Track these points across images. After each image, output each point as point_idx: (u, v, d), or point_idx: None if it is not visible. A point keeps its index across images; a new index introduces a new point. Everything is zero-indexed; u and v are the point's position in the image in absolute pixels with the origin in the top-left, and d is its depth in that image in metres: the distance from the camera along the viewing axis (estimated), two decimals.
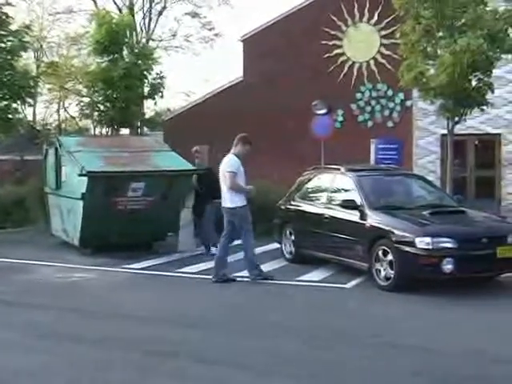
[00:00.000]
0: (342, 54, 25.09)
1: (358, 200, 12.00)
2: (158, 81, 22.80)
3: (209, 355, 7.64)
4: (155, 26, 37.85)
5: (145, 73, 22.27)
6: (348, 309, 10.22)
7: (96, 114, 22.68)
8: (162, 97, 23.29)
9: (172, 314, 9.74)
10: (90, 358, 7.59)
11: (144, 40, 34.79)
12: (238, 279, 12.04)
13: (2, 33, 21.82)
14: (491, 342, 8.24)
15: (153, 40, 37.05)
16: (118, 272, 13.04)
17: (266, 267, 12.54)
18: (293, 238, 13.50)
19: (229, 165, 11.84)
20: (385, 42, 24.20)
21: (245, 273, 12.14)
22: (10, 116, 21.87)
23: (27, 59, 35.39)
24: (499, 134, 22.17)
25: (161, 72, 22.83)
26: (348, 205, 12.12)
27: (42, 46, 39.52)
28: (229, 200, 11.82)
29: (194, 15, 38.86)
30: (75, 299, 10.80)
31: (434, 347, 7.99)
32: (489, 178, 22.53)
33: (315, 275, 12.47)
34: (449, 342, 8.22)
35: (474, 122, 20.18)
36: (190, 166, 14.92)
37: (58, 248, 15.67)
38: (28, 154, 27.02)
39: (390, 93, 24.36)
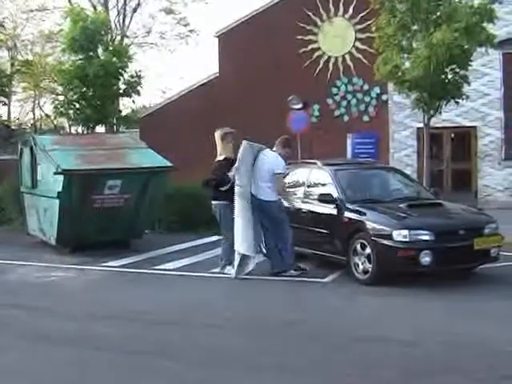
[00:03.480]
0: (318, 48, 25.12)
1: (335, 194, 12.00)
2: (136, 79, 22.67)
3: (188, 354, 7.64)
4: (130, 22, 37.73)
5: (120, 70, 22.11)
6: (325, 303, 10.22)
7: (71, 112, 22.48)
8: (138, 95, 23.18)
9: (152, 312, 9.68)
10: (65, 357, 7.52)
11: (119, 37, 34.63)
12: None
13: None
14: (467, 332, 8.31)
15: (127, 37, 36.91)
16: (97, 270, 12.97)
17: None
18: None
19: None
20: (360, 36, 24.26)
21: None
22: None
23: (1, 58, 35.22)
24: (475, 127, 22.28)
25: (139, 71, 22.73)
26: (325, 199, 12.12)
27: (15, 44, 39.21)
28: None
29: (169, 11, 38.76)
30: (54, 299, 10.72)
31: (410, 339, 8.03)
32: (465, 171, 22.64)
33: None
34: (425, 334, 8.26)
35: (450, 115, 20.27)
36: (166, 163, 14.85)
37: (35, 247, 15.57)
38: (3, 154, 26.79)
39: (365, 87, 24.43)
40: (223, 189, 11.93)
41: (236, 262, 11.79)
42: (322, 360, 7.38)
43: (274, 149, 12.34)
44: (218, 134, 12.40)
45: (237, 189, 11.73)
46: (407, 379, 6.72)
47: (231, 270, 11.98)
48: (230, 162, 12.03)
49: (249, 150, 12.03)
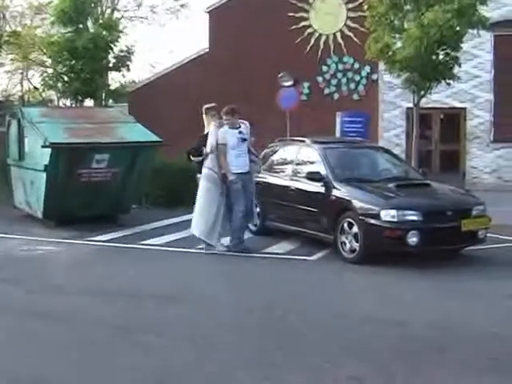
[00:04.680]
0: (309, 26, 24.98)
1: (324, 172, 11.99)
2: (126, 54, 22.55)
3: (173, 330, 7.66)
4: None
5: (110, 44, 21.98)
6: (310, 281, 10.24)
7: (60, 85, 22.36)
8: (128, 70, 23.07)
9: (137, 287, 9.67)
10: (49, 332, 7.53)
11: (109, 10, 34.33)
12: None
13: None
14: (452, 313, 8.35)
15: (118, 10, 36.57)
16: (84, 245, 12.91)
17: (227, 239, 12.40)
18: (258, 210, 13.42)
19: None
20: (352, 14, 24.12)
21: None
22: None
23: None
24: (464, 109, 22.29)
25: (132, 46, 22.60)
26: (313, 177, 12.11)
27: (4, 15, 38.76)
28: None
29: None
30: (40, 273, 10.67)
31: (395, 318, 8.05)
32: (453, 152, 22.67)
33: (280, 247, 12.48)
34: (410, 314, 8.29)
35: (440, 96, 20.26)
36: (155, 138, 14.79)
37: (21, 220, 15.47)
38: None
39: (356, 66, 24.34)
40: (194, 159, 12.22)
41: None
42: (306, 338, 7.38)
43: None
44: (203, 110, 12.64)
45: (203, 171, 11.94)
46: (392, 357, 6.72)
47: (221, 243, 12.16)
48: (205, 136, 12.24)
49: (215, 131, 12.10)
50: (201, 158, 12.05)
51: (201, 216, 11.91)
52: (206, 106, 12.69)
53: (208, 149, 11.93)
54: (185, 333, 7.56)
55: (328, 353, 6.86)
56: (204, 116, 12.60)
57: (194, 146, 12.35)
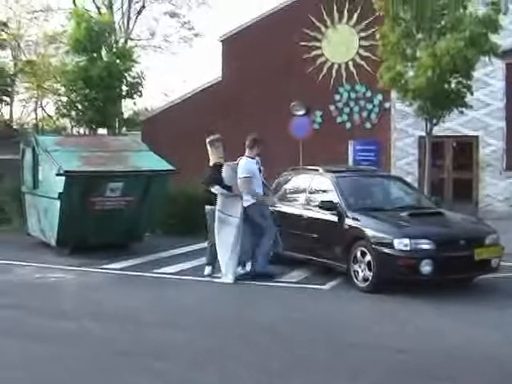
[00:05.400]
0: (321, 55, 25.07)
1: (336, 201, 12.00)
2: (137, 80, 22.71)
3: (181, 356, 7.67)
4: (134, 25, 37.71)
5: (124, 73, 22.15)
6: (322, 309, 10.23)
7: (74, 113, 22.54)
8: (140, 96, 23.22)
9: (147, 314, 9.69)
10: (55, 356, 7.60)
11: (122, 39, 34.64)
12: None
13: None
14: (461, 342, 8.34)
15: (131, 39, 36.88)
16: (97, 272, 12.96)
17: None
18: None
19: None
20: (364, 43, 24.21)
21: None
22: None
23: (4, 57, 35.19)
24: (477, 137, 22.27)
25: (142, 72, 22.78)
26: (326, 206, 12.12)
27: (19, 44, 39.16)
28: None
29: (173, 15, 38.77)
30: (53, 300, 10.73)
31: (403, 346, 8.07)
32: (466, 180, 22.61)
33: (293, 276, 12.48)
34: (418, 343, 8.31)
35: (452, 124, 20.25)
36: (168, 166, 14.87)
37: (35, 248, 15.55)
38: (4, 153, 26.76)
39: (368, 94, 24.38)
40: (215, 190, 12.13)
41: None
42: (311, 364, 7.40)
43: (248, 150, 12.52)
44: (207, 142, 12.74)
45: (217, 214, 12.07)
46: None
47: (207, 271, 12.40)
48: (219, 167, 12.33)
49: (229, 169, 12.26)
50: (221, 189, 12.09)
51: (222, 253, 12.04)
52: (211, 137, 12.74)
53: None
54: (190, 358, 7.58)
55: (330, 377, 6.87)
56: (209, 148, 12.67)
57: (212, 177, 12.31)
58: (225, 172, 12.22)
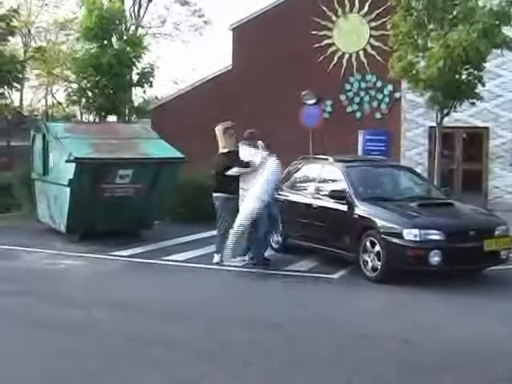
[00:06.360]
0: (332, 44, 25.02)
1: (346, 190, 11.99)
2: (149, 69, 22.72)
3: (188, 346, 7.68)
4: (145, 12, 37.76)
5: (134, 60, 22.14)
6: (330, 299, 10.25)
7: (84, 100, 22.56)
8: (151, 86, 23.24)
9: (156, 302, 9.71)
10: (63, 344, 7.61)
11: (133, 27, 34.63)
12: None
13: None
14: (469, 334, 8.35)
15: (142, 27, 36.93)
16: (106, 259, 12.99)
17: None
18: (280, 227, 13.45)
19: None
20: (375, 33, 24.14)
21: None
22: None
23: (15, 44, 35.20)
24: (487, 128, 22.21)
25: (154, 62, 22.79)
26: (336, 195, 12.12)
27: (29, 31, 39.26)
28: None
29: (184, 3, 38.75)
30: (62, 286, 10.78)
31: (410, 337, 8.08)
32: (476, 172, 22.57)
33: (302, 265, 12.48)
34: (427, 333, 8.32)
35: (462, 115, 20.19)
36: (178, 154, 14.87)
37: (44, 234, 15.59)
38: (15, 140, 26.81)
39: (379, 84, 24.32)
40: (234, 172, 12.19)
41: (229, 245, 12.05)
42: (318, 354, 7.42)
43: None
44: (219, 129, 12.76)
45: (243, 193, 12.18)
46: (402, 376, 6.73)
47: (216, 259, 12.44)
48: (234, 154, 12.37)
49: (245, 146, 12.48)
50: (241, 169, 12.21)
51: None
52: (226, 125, 12.80)
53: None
54: (196, 347, 7.60)
55: (340, 371, 6.88)
56: (221, 135, 12.70)
57: (227, 164, 12.34)
58: (242, 150, 12.34)
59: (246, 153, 12.34)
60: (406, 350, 7.64)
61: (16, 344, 7.64)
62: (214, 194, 12.59)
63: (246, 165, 12.15)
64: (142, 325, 8.52)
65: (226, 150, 12.58)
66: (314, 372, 6.88)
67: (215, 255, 12.52)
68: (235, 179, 12.23)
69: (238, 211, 12.05)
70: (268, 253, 12.59)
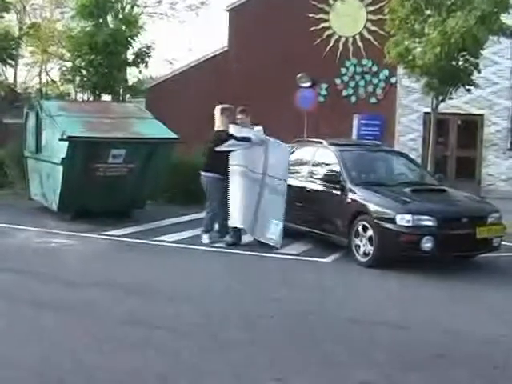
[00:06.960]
0: (329, 27, 24.93)
1: (340, 174, 11.97)
2: (145, 50, 22.59)
3: (179, 327, 7.68)
4: None
5: (129, 39, 22.01)
6: (321, 283, 10.22)
7: (78, 78, 22.42)
8: (146, 66, 23.13)
9: (146, 282, 9.70)
10: (52, 323, 7.56)
11: (129, 6, 34.40)
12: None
13: None
14: (459, 320, 8.36)
15: (138, 6, 36.60)
16: (98, 239, 12.93)
17: (244, 238, 12.62)
18: None
19: None
20: (372, 17, 24.07)
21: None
22: None
23: (9, 21, 34.90)
24: (482, 115, 22.19)
25: (152, 44, 22.64)
26: (329, 179, 12.12)
27: (24, 7, 38.93)
28: None
29: None
30: (53, 265, 10.74)
31: (400, 323, 8.08)
32: (469, 159, 22.58)
33: (294, 248, 12.46)
34: (416, 319, 8.32)
35: (458, 102, 20.15)
36: (172, 135, 14.80)
37: (36, 212, 15.54)
38: (8, 117, 26.68)
39: (374, 69, 24.27)
40: (222, 148, 12.24)
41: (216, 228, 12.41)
42: (309, 339, 7.42)
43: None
44: (217, 108, 12.81)
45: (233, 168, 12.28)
46: (393, 362, 6.73)
47: (206, 240, 12.49)
48: (226, 134, 12.41)
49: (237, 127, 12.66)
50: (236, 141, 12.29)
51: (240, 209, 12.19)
52: (222, 106, 12.82)
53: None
54: (193, 329, 7.58)
55: (335, 357, 6.86)
56: (218, 116, 12.71)
57: (220, 140, 12.39)
58: (233, 129, 12.44)
59: (236, 129, 12.43)
60: (396, 335, 7.64)
61: (12, 323, 7.57)
62: (204, 173, 12.59)
63: (242, 139, 12.22)
64: (134, 305, 8.47)
65: (220, 128, 12.62)
66: (310, 356, 6.86)
67: (203, 235, 12.52)
68: (226, 159, 12.21)
69: (226, 191, 12.08)
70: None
